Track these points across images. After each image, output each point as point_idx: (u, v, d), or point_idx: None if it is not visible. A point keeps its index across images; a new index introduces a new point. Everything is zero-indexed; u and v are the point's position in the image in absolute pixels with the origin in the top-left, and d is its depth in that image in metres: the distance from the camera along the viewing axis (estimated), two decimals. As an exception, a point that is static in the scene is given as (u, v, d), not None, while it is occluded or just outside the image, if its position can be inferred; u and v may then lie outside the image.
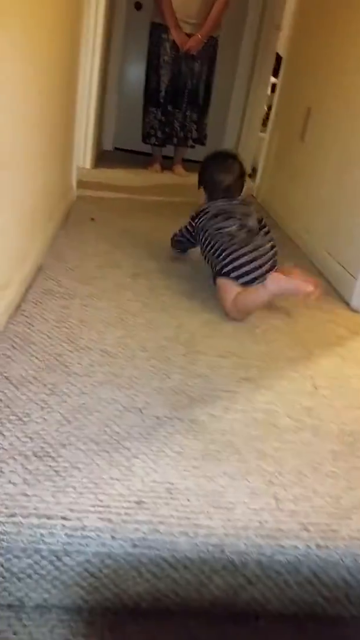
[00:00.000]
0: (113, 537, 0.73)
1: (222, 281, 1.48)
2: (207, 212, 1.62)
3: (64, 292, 1.43)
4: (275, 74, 3.87)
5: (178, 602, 0.80)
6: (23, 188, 1.33)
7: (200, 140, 3.39)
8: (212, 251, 1.53)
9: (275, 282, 1.36)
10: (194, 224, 1.67)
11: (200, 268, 1.80)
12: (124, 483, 0.82)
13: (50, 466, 0.82)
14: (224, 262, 1.47)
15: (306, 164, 2.35)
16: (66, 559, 0.74)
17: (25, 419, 0.91)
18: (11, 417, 0.91)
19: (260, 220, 1.60)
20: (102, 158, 3.52)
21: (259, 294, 1.38)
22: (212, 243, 1.54)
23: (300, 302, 1.51)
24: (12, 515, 0.72)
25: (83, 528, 0.73)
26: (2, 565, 0.73)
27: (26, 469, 0.81)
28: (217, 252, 1.50)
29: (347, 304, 1.69)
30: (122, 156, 3.78)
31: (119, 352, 1.18)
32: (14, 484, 0.77)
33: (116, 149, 4.02)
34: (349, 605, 0.84)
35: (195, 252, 1.77)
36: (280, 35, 3.50)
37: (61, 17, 1.62)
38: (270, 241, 1.54)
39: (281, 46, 3.50)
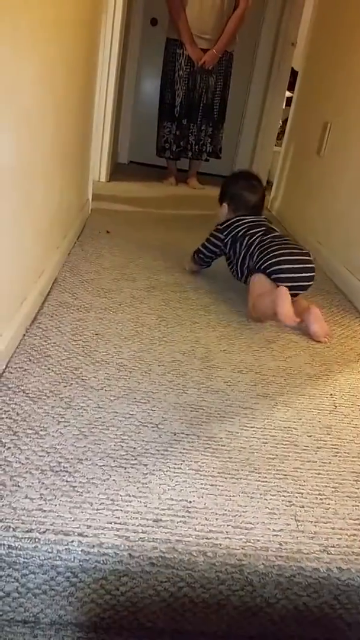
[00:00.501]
0: (130, 555, 0.72)
1: (257, 276, 1.52)
2: (239, 222, 1.68)
3: (80, 305, 1.44)
4: (291, 88, 3.90)
5: (195, 623, 0.79)
6: (41, 204, 1.34)
7: (215, 153, 3.41)
8: (251, 251, 1.57)
9: (316, 318, 1.46)
10: (225, 233, 1.70)
11: (216, 281, 1.80)
12: (141, 500, 0.80)
13: (67, 481, 0.81)
14: (265, 258, 1.50)
15: (323, 178, 2.35)
16: (82, 576, 0.73)
17: (41, 433, 0.90)
18: (28, 431, 0.90)
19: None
20: (117, 171, 3.55)
21: (286, 312, 1.38)
22: (250, 245, 1.58)
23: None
24: (29, 531, 0.71)
25: (100, 545, 0.72)
26: (18, 581, 0.72)
27: (43, 483, 0.80)
28: (258, 251, 1.54)
29: (365, 320, 1.67)
30: (137, 169, 3.81)
31: (135, 366, 1.18)
32: (31, 499, 0.77)
33: (131, 162, 4.06)
34: (370, 631, 0.82)
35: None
36: (296, 50, 3.53)
37: (78, 33, 1.64)
38: (305, 250, 1.57)
39: (297, 61, 3.52)
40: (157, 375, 1.16)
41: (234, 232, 1.66)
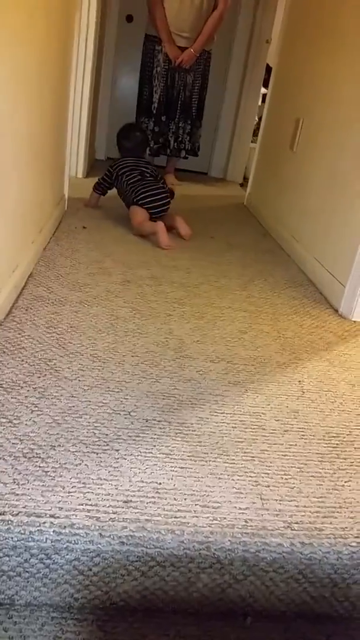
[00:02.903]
0: (101, 535, 0.75)
1: (134, 208, 2.28)
2: (121, 164, 2.41)
3: (55, 298, 1.45)
4: (266, 84, 3.94)
5: (166, 600, 0.82)
6: (14, 199, 1.35)
7: (194, 151, 3.44)
8: (128, 189, 2.31)
9: (162, 231, 2.13)
10: (112, 171, 2.43)
11: (191, 275, 1.83)
12: (112, 483, 0.83)
13: (39, 467, 0.83)
14: (138, 196, 2.26)
15: (296, 173, 2.39)
16: (55, 557, 0.75)
17: (15, 422, 0.92)
18: (1, 420, 0.92)
19: (157, 174, 2.46)
20: (95, 167, 3.55)
21: (152, 228, 2.15)
22: (128, 184, 2.32)
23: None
24: (2, 514, 0.73)
25: (71, 526, 0.74)
26: (-8, 564, 0.74)
27: (16, 469, 0.82)
28: (133, 190, 2.29)
29: (336, 311, 1.72)
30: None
31: (109, 357, 1.20)
32: (4, 483, 0.79)
33: (109, 158, 4.06)
34: (335, 603, 0.86)
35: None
36: (270, 47, 3.57)
37: (52, 29, 1.66)
38: (164, 188, 2.37)
39: (271, 57, 3.57)
40: (130, 366, 1.18)
41: (118, 171, 2.40)
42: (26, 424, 0.93)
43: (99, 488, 0.81)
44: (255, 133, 4.06)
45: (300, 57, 2.57)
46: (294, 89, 2.59)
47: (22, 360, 1.12)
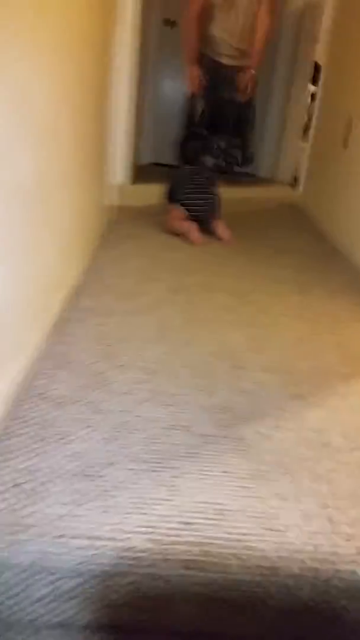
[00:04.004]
0: (164, 559, 0.71)
1: (174, 206, 2.33)
2: (177, 173, 2.56)
3: (104, 309, 1.44)
4: (315, 82, 3.84)
5: (231, 626, 0.78)
6: (61, 218, 1.35)
7: (246, 161, 3.36)
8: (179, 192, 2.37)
9: (193, 228, 2.20)
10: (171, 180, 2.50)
11: (243, 282, 1.78)
12: (171, 503, 0.79)
13: (96, 486, 0.81)
14: (182, 197, 2.32)
15: (351, 173, 2.30)
16: (116, 579, 0.72)
17: (70, 438, 0.91)
18: (56, 436, 0.91)
19: (207, 182, 2.40)
20: (141, 174, 3.56)
21: (184, 227, 2.22)
22: (179, 188, 2.38)
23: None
24: (62, 536, 0.71)
25: (132, 549, 0.71)
26: (53, 584, 0.72)
27: (74, 488, 0.80)
28: (181, 192, 2.35)
29: None
30: (160, 171, 3.80)
31: (159, 369, 1.17)
32: (63, 504, 0.77)
33: (154, 164, 4.06)
34: None
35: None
36: (319, 45, 3.47)
37: (91, 45, 1.65)
38: (210, 195, 2.36)
39: (319, 55, 3.47)
40: (183, 378, 1.15)
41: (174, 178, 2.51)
42: (81, 441, 0.90)
43: (157, 508, 0.78)
44: (304, 133, 3.96)
45: (351, 54, 2.48)
46: (345, 86, 2.50)
47: (74, 374, 1.10)
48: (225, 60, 2.86)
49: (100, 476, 0.83)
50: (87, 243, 1.76)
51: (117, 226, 2.27)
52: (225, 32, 2.77)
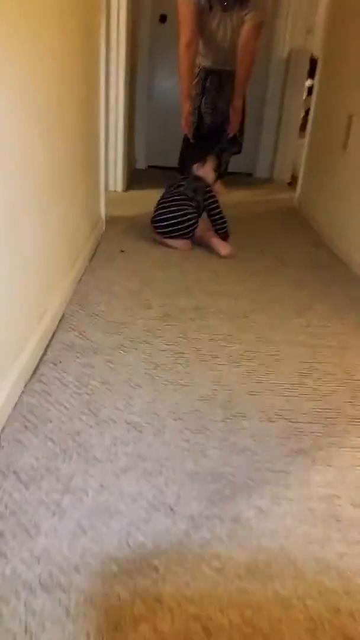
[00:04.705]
0: None
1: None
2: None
3: (87, 345, 1.29)
4: (311, 75, 3.65)
5: None
6: (39, 239, 1.20)
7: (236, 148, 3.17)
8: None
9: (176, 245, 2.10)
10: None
11: (239, 302, 1.63)
12: (152, 623, 0.65)
13: (60, 604, 0.67)
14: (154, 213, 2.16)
15: (350, 175, 2.13)
16: None
17: (33, 532, 0.76)
18: (17, 530, 0.76)
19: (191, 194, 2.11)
20: (135, 179, 3.40)
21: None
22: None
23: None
24: None
25: None
26: None
27: (30, 608, 0.66)
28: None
29: None
30: (156, 175, 3.63)
31: (146, 424, 1.02)
32: (13, 633, 0.63)
33: (150, 167, 3.90)
34: None
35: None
36: (314, 37, 3.28)
37: (69, 37, 1.49)
38: (185, 211, 2.09)
39: (316, 47, 3.28)
40: (172, 434, 1.00)
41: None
42: (46, 535, 0.76)
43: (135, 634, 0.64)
44: (302, 128, 3.78)
45: (350, 47, 2.29)
46: (344, 81, 2.32)
47: (46, 437, 0.96)
48: (216, 66, 2.66)
49: (65, 587, 0.69)
50: (73, 265, 1.61)
51: (107, 241, 2.12)
52: (214, 43, 2.57)
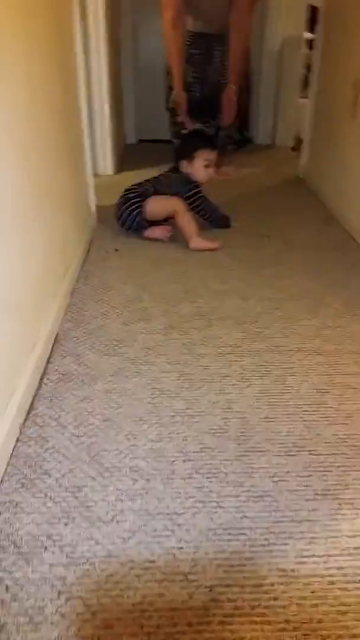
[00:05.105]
0: None
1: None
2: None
3: (85, 373, 1.20)
4: (312, 29, 3.40)
5: None
6: (21, 260, 1.08)
7: (245, 141, 2.94)
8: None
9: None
10: None
11: (246, 303, 1.51)
12: None
13: None
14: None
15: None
16: None
17: (36, 620, 0.69)
18: (20, 620, 0.69)
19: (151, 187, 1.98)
20: (126, 157, 3.23)
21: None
22: None
23: None
24: None
25: None
26: None
27: None
28: None
29: None
30: (148, 150, 3.45)
31: (154, 469, 0.93)
32: None
33: (141, 140, 3.70)
34: None
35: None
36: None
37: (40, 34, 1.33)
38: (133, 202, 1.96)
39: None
40: (182, 481, 0.91)
41: None
42: (51, 625, 0.69)
43: None
44: (304, 86, 3.54)
45: (353, 2, 2.08)
46: (350, 44, 2.11)
47: (46, 496, 0.88)
48: (203, 29, 2.41)
49: None
50: (66, 271, 1.50)
51: (99, 239, 1.99)
52: (200, 8, 2.31)
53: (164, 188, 1.94)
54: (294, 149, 3.53)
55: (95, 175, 2.16)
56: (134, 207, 1.92)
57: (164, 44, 2.36)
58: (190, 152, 1.96)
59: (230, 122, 2.54)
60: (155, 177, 2.00)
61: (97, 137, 2.73)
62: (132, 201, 1.92)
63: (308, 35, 3.48)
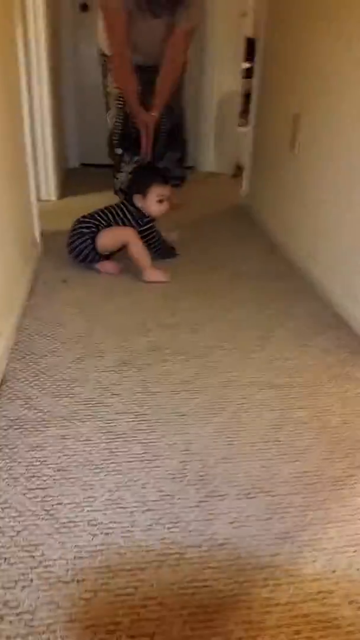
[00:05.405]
0: None
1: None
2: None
3: (36, 417, 1.15)
4: (249, 58, 3.52)
5: None
6: None
7: (184, 178, 2.93)
8: None
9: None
10: None
11: (197, 337, 1.52)
12: None
13: None
14: None
15: (301, 179, 2.04)
16: None
17: None
18: None
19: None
20: (69, 182, 3.19)
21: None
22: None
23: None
24: None
25: None
26: None
27: None
28: None
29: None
30: (91, 175, 3.42)
31: (112, 522, 0.91)
32: None
33: (83, 164, 3.67)
34: None
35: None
36: (249, 20, 3.15)
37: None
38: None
39: (252, 29, 3.15)
40: (142, 533, 0.89)
41: None
42: None
43: None
44: (242, 115, 3.66)
45: (289, 31, 2.18)
46: (288, 77, 2.21)
47: (0, 557, 0.83)
48: (144, 62, 2.36)
49: None
50: (9, 313, 1.45)
51: (45, 269, 1.94)
52: (142, 45, 2.30)
53: (118, 222, 1.93)
54: (234, 175, 3.62)
55: (38, 200, 2.11)
56: (86, 241, 1.89)
57: (115, 74, 2.36)
58: (143, 187, 1.94)
59: (147, 153, 2.45)
60: (107, 209, 1.97)
61: (40, 160, 2.68)
62: (85, 236, 1.89)
63: (245, 65, 3.61)
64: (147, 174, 2.04)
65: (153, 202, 1.93)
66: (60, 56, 3.26)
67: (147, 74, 2.41)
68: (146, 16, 2.20)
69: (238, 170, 3.50)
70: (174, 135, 2.70)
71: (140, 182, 1.98)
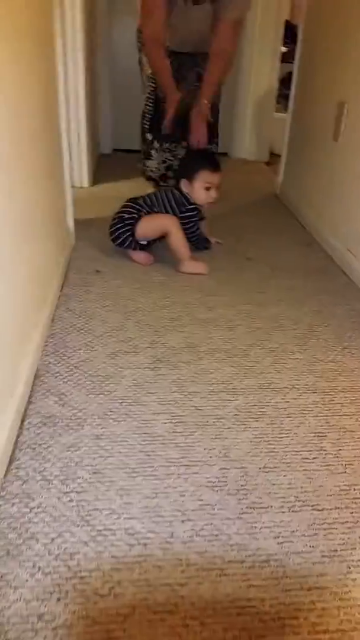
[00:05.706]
0: None
1: None
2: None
3: (70, 415, 1.12)
4: (288, 42, 3.40)
5: None
6: (3, 288, 1.00)
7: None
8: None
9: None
10: None
11: (234, 333, 1.46)
12: None
13: None
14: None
15: (342, 170, 1.95)
16: None
17: None
18: None
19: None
20: (101, 168, 3.14)
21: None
22: None
23: None
24: None
25: None
26: None
27: None
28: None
29: None
30: (124, 161, 3.36)
31: (150, 533, 0.86)
32: None
33: (115, 150, 3.62)
34: None
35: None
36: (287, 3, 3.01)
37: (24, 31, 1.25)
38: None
39: (290, 13, 3.03)
40: (181, 545, 0.85)
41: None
42: None
43: None
44: (278, 100, 3.55)
45: (336, 22, 2.07)
46: (332, 64, 2.10)
47: (34, 567, 0.79)
48: (178, 48, 2.29)
49: None
50: (43, 305, 1.41)
51: (79, 259, 1.90)
52: (179, 33, 2.19)
53: (160, 208, 1.87)
54: (267, 163, 3.52)
55: (71, 187, 2.06)
56: (126, 227, 1.84)
57: (148, 59, 2.27)
58: (191, 171, 1.87)
59: (201, 144, 2.32)
60: (154, 193, 1.92)
61: (74, 147, 2.63)
62: (125, 221, 1.84)
63: (283, 49, 3.49)
64: (196, 159, 1.95)
65: (200, 188, 1.86)
66: (95, 41, 3.20)
67: (180, 59, 2.32)
68: (187, 2, 2.10)
69: (272, 157, 3.40)
70: (208, 125, 2.59)
71: (188, 167, 1.90)
